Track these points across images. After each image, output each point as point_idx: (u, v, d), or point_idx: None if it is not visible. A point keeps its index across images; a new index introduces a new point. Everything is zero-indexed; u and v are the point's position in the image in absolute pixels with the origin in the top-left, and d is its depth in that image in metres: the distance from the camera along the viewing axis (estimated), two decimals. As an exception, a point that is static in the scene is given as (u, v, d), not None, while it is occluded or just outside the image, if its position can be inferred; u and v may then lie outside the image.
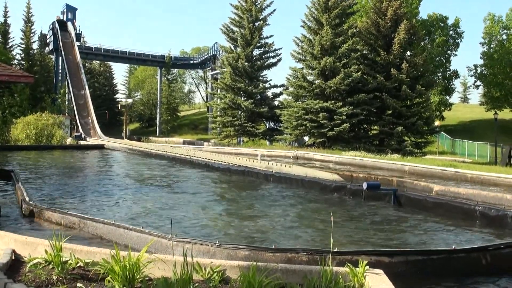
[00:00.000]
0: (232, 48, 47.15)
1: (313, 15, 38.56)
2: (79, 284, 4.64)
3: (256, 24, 45.77)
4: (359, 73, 35.14)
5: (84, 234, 7.82)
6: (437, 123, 45.29)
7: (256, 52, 46.42)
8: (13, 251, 5.52)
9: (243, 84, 44.56)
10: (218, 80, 50.17)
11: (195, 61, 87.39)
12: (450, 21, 61.22)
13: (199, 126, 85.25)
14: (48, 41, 76.54)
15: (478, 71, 62.25)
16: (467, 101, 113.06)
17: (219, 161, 20.95)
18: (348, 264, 4.93)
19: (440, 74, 59.70)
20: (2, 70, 11.30)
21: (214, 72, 71.52)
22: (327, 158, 25.40)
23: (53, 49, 74.54)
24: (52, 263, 5.03)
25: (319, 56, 36.52)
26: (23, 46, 74.87)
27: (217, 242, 6.05)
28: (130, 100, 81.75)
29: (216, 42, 73.03)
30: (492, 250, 6.29)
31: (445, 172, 17.77)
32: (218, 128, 48.53)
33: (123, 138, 50.16)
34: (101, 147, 36.08)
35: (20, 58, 74.93)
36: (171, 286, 4.44)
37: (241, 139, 46.81)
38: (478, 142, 47.66)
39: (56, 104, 65.40)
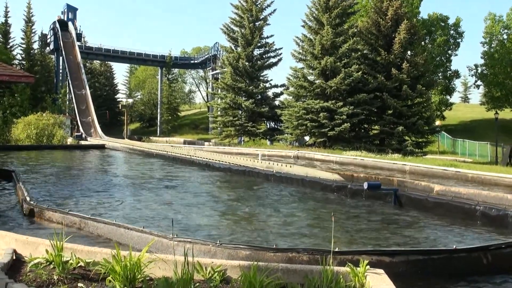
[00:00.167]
0: (233, 48, 47.17)
1: (314, 14, 38.57)
2: (80, 284, 4.64)
3: (257, 24, 45.79)
4: (359, 73, 35.14)
5: (85, 234, 7.82)
6: (437, 122, 45.29)
7: (256, 52, 46.46)
8: (14, 251, 5.52)
9: (244, 84, 44.58)
10: (219, 80, 50.18)
11: (196, 61, 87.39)
12: (450, 21, 61.24)
13: (200, 126, 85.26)
14: (48, 41, 76.56)
15: (479, 71, 62.26)
16: (468, 101, 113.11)
17: (220, 161, 20.95)
18: (349, 264, 4.92)
19: (440, 74, 59.73)
20: (3, 70, 11.31)
21: (214, 72, 71.51)
22: (327, 158, 25.39)
23: (53, 49, 74.56)
24: (53, 263, 5.03)
25: (319, 56, 36.53)
26: (24, 46, 74.93)
27: (218, 242, 6.06)
28: (130, 100, 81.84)
29: (216, 42, 73.06)
30: (493, 250, 6.28)
31: (446, 172, 17.76)
32: (218, 128, 48.58)
33: (124, 138, 50.19)
34: (101, 147, 36.07)
35: (20, 58, 74.99)
36: (172, 286, 4.44)
37: (242, 139, 46.84)
38: (478, 142, 47.65)
39: (57, 104, 65.41)
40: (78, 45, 70.69)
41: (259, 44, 45.95)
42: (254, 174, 17.06)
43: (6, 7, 74.69)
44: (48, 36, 76.73)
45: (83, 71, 66.17)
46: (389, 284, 4.54)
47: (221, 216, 10.15)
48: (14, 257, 5.38)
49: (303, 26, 39.35)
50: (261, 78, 46.44)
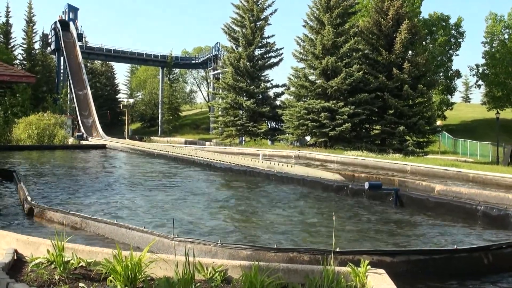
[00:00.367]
0: (234, 48, 47.17)
1: (315, 14, 38.56)
2: (81, 284, 4.65)
3: (258, 23, 45.77)
4: (360, 72, 35.13)
5: (86, 234, 7.83)
6: (438, 122, 45.26)
7: (257, 51, 46.46)
8: (15, 251, 5.52)
9: (245, 84, 44.58)
10: (220, 80, 50.17)
11: (197, 61, 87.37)
12: (452, 21, 61.21)
13: (201, 126, 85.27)
14: (50, 41, 76.60)
15: (480, 71, 62.21)
16: (469, 101, 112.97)
17: (221, 161, 20.96)
18: (350, 263, 4.92)
19: (442, 73, 59.69)
20: (4, 70, 11.32)
21: (215, 72, 71.52)
22: (328, 157, 25.40)
23: (55, 49, 74.60)
24: (54, 262, 5.04)
25: (320, 56, 36.52)
26: (25, 46, 74.97)
27: (219, 242, 6.06)
28: (131, 100, 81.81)
29: (217, 42, 73.06)
30: (494, 249, 6.29)
31: (447, 172, 17.76)
32: (219, 128, 48.56)
33: (125, 138, 50.24)
34: (103, 147, 36.11)
35: (22, 58, 75.02)
36: (173, 285, 4.45)
37: (243, 139, 46.83)
38: (479, 141, 47.60)
39: (58, 104, 65.45)
40: (79, 45, 70.72)
41: (260, 44, 45.94)
42: (255, 174, 17.07)
43: (7, 7, 74.75)
44: (49, 36, 76.76)
45: (84, 71, 66.19)
46: (390, 284, 4.54)
47: (222, 216, 10.15)
48: (15, 257, 5.39)
49: (304, 26, 39.37)
50: (262, 78, 46.43)
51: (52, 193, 12.51)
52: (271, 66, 46.75)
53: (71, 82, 63.99)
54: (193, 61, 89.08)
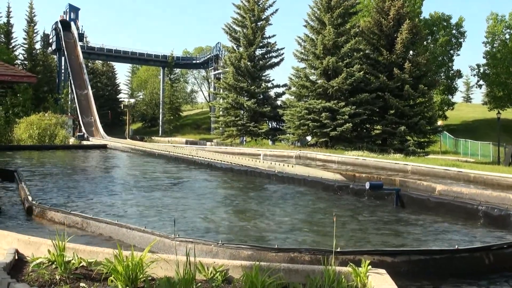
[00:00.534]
0: (235, 48, 47.12)
1: (316, 14, 38.53)
2: (82, 284, 4.65)
3: (259, 24, 45.73)
4: (361, 72, 35.10)
5: (87, 234, 7.83)
6: (439, 122, 45.26)
7: (258, 51, 46.39)
8: (16, 251, 5.53)
9: (246, 84, 44.56)
10: (221, 80, 50.13)
11: (198, 61, 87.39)
12: (453, 21, 61.19)
13: (202, 126, 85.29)
14: (51, 41, 76.61)
15: (481, 71, 62.15)
16: (470, 101, 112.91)
17: (221, 161, 20.97)
18: (351, 264, 4.93)
19: (443, 73, 59.65)
20: (5, 70, 11.33)
21: (216, 72, 71.49)
22: (329, 158, 25.39)
23: (55, 49, 74.63)
24: (55, 262, 5.05)
25: (321, 56, 36.50)
26: (26, 46, 74.98)
27: (220, 242, 6.06)
28: (132, 100, 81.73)
29: (218, 42, 73.03)
30: (495, 250, 6.28)
31: (448, 172, 17.75)
32: (220, 128, 48.52)
33: (126, 138, 50.23)
34: (103, 147, 36.12)
35: (23, 58, 75.05)
36: (174, 285, 4.45)
37: (244, 139, 46.82)
38: (481, 141, 47.56)
39: (59, 104, 65.49)
40: (80, 45, 70.74)
41: (261, 44, 45.88)
42: (256, 174, 17.07)
43: (8, 7, 75.05)
44: (50, 36, 76.78)
45: (85, 71, 66.23)
46: (391, 284, 4.54)
47: (223, 216, 10.15)
48: (16, 257, 5.39)
49: (305, 26, 39.33)
50: (263, 78, 46.37)
51: (53, 193, 12.52)
52: (272, 66, 46.69)
53: (72, 82, 64.01)
54: (194, 61, 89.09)
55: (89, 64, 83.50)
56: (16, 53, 73.89)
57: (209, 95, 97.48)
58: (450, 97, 61.38)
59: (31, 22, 75.64)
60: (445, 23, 60.33)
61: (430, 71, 40.42)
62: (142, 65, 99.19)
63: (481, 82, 63.71)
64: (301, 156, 27.59)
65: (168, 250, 6.17)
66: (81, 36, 74.53)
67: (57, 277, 4.78)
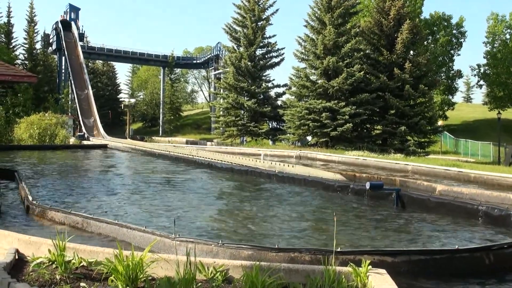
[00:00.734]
0: (235, 47, 47.13)
1: (316, 14, 38.52)
2: (82, 284, 4.65)
3: (259, 23, 45.73)
4: (362, 72, 35.10)
5: (87, 234, 7.83)
6: (440, 122, 45.26)
7: (259, 51, 46.39)
8: (17, 251, 5.53)
9: (246, 84, 44.56)
10: (221, 79, 50.16)
11: (198, 61, 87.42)
12: (453, 21, 61.17)
13: (202, 126, 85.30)
14: (51, 41, 76.66)
15: (481, 71, 62.15)
16: (470, 101, 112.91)
17: (222, 160, 20.97)
18: (351, 263, 4.93)
19: (443, 73, 59.64)
20: (6, 70, 11.33)
21: (217, 71, 71.49)
22: (330, 158, 25.38)
23: (56, 49, 74.68)
24: (55, 262, 5.05)
25: (322, 56, 36.50)
26: (26, 46, 75.00)
27: (220, 242, 6.06)
28: (133, 100, 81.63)
29: (219, 42, 73.08)
30: (495, 250, 6.28)
31: (448, 172, 17.74)
32: (221, 128, 48.54)
33: (126, 138, 50.24)
34: (104, 147, 36.14)
35: (23, 58, 75.08)
36: (174, 285, 4.45)
37: (244, 139, 46.83)
38: (481, 141, 47.55)
39: (60, 104, 65.52)
40: (81, 45, 70.76)
41: (262, 44, 45.88)
42: (257, 174, 17.07)
43: (9, 7, 75.02)
44: (51, 36, 76.82)
45: (85, 71, 66.25)
46: (391, 284, 4.54)
47: (223, 216, 10.16)
48: (16, 257, 5.40)
49: (306, 26, 39.32)
50: (263, 78, 46.38)
51: (53, 193, 12.52)
52: (273, 66, 46.69)
53: (72, 82, 64.03)
54: (195, 61, 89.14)
55: (89, 64, 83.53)
56: (17, 53, 73.95)
57: (209, 95, 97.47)
58: (450, 97, 61.39)
59: (31, 22, 75.66)
60: (445, 23, 60.32)
61: (430, 71, 40.40)
62: (142, 65, 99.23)
63: (481, 82, 63.75)
64: (302, 156, 27.58)
65: (169, 250, 6.17)
66: (82, 36, 74.55)
67: (58, 277, 4.78)
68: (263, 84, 45.40)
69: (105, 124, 61.28)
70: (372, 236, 8.38)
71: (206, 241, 6.22)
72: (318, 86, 36.33)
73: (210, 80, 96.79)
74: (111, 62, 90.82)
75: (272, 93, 47.49)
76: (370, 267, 4.80)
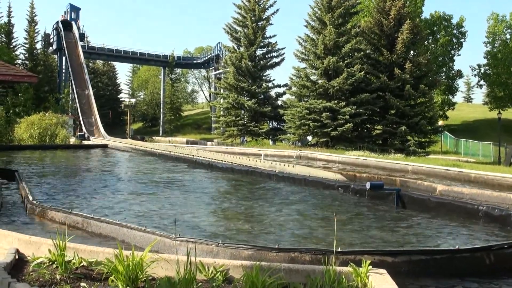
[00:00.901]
0: (235, 47, 47.13)
1: (316, 14, 38.52)
2: (82, 284, 4.65)
3: (259, 23, 45.73)
4: (362, 72, 35.08)
5: (87, 234, 7.83)
6: (440, 122, 45.24)
7: (259, 51, 46.40)
8: (17, 251, 5.53)
9: (246, 84, 44.56)
10: (221, 79, 50.15)
11: (198, 61, 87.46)
12: (453, 20, 61.17)
13: (203, 125, 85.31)
14: (51, 41, 76.67)
15: (482, 71, 62.15)
16: (471, 101, 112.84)
17: (222, 160, 20.97)
18: (352, 263, 4.93)
19: (443, 73, 59.63)
20: (6, 70, 11.33)
21: (217, 71, 71.51)
22: (330, 157, 25.38)
23: (56, 49, 74.69)
24: (55, 262, 5.05)
25: (322, 56, 36.49)
26: (27, 46, 75.01)
27: (220, 242, 6.06)
28: (133, 100, 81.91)
29: (219, 42, 73.15)
30: (495, 250, 6.28)
31: (448, 172, 17.73)
32: (221, 128, 48.54)
33: (127, 138, 50.25)
34: (104, 147, 36.17)
35: (23, 58, 75.09)
36: (175, 285, 4.45)
37: (245, 139, 46.82)
38: (481, 142, 47.54)
39: (60, 103, 65.54)
40: (81, 45, 70.77)
41: (262, 44, 45.89)
42: (257, 174, 17.07)
43: (9, 7, 74.90)
44: (51, 36, 76.84)
45: (86, 71, 66.26)
46: (391, 284, 4.54)
47: (224, 215, 10.16)
48: (17, 257, 5.40)
49: (306, 26, 39.30)
50: (263, 78, 46.38)
51: (54, 192, 12.52)
52: (273, 66, 46.70)
53: (73, 82, 64.04)
54: (195, 61, 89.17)
55: (90, 64, 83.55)
56: (17, 52, 73.98)
57: (209, 95, 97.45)
58: (450, 97, 61.39)
59: (32, 22, 75.67)
60: (446, 23, 60.33)
61: (430, 71, 40.40)
62: (142, 65, 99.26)
63: (481, 82, 63.77)
64: (302, 156, 27.58)
65: (169, 250, 6.17)
66: (82, 36, 74.57)
67: (58, 276, 4.78)
68: (264, 84, 45.40)
69: (105, 124, 61.29)
70: (372, 236, 8.38)
71: (207, 241, 6.21)
72: (318, 86, 36.32)
73: (210, 80, 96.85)
74: (111, 62, 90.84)
75: (273, 93, 47.52)
76: (370, 267, 4.80)
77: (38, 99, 63.44)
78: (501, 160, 37.40)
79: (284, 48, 51.62)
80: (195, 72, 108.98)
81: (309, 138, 39.27)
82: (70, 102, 67.22)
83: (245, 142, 46.19)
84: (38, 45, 77.63)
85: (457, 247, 6.21)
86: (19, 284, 4.30)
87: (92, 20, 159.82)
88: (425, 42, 53.23)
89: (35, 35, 76.05)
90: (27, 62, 73.72)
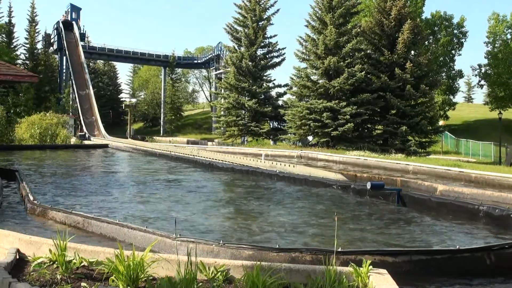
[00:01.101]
0: (236, 47, 47.14)
1: (317, 14, 38.52)
2: (83, 284, 4.65)
3: (260, 23, 45.74)
4: (363, 72, 35.08)
5: (88, 234, 7.83)
6: (441, 122, 45.25)
7: (260, 51, 46.44)
8: (18, 250, 5.53)
9: (247, 84, 44.56)
10: (222, 79, 50.18)
11: (199, 61, 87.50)
12: (454, 20, 61.16)
13: (203, 125, 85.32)
14: (52, 41, 76.71)
15: (482, 71, 62.15)
16: (471, 101, 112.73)
17: (223, 160, 20.97)
18: (352, 263, 4.92)
19: (444, 73, 59.63)
20: (7, 69, 11.34)
21: (218, 71, 71.58)
22: (331, 157, 25.37)
23: (57, 49, 74.75)
24: (56, 262, 5.05)
25: (323, 56, 36.49)
26: (28, 46, 74.97)
27: (221, 242, 6.06)
28: (134, 100, 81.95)
29: (220, 42, 73.19)
30: (496, 250, 6.27)
31: (449, 172, 17.72)
32: (222, 128, 48.56)
33: (127, 138, 50.27)
34: (105, 147, 36.17)
35: (24, 58, 75.05)
36: (175, 285, 4.45)
37: (245, 139, 46.84)
38: (482, 142, 47.56)
39: (61, 103, 65.57)
40: (82, 45, 70.86)
41: (263, 44, 45.92)
42: (258, 174, 17.07)
43: (10, 7, 74.73)
44: (52, 36, 76.89)
45: (86, 70, 66.32)
46: (392, 284, 4.54)
47: (224, 215, 10.16)
48: (17, 257, 5.40)
49: (307, 26, 39.31)
50: (264, 78, 46.39)
51: (54, 192, 12.52)
52: (274, 66, 46.72)
53: (73, 81, 64.10)
54: (196, 61, 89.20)
55: (90, 63, 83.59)
56: (18, 52, 73.94)
57: (210, 95, 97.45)
58: (451, 97, 61.41)
59: (32, 22, 75.63)
60: (446, 23, 60.34)
61: (431, 71, 40.46)
62: (143, 65, 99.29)
63: (482, 82, 63.78)
64: (303, 156, 27.57)
65: (169, 250, 6.17)
66: (83, 36, 74.64)
67: (58, 276, 4.78)
68: (264, 84, 45.41)
69: (106, 124, 61.36)
70: (373, 236, 8.37)
71: (207, 241, 6.21)
72: (319, 86, 36.34)
73: (211, 80, 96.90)
74: (112, 62, 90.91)
75: (273, 93, 47.55)
76: (371, 267, 4.80)
77: (39, 99, 63.47)
78: (502, 160, 37.42)
79: (285, 48, 51.71)
80: (196, 72, 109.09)
81: (310, 138, 39.28)
82: (70, 102, 67.27)
83: (245, 142, 46.21)
84: (39, 45, 77.64)
85: (457, 247, 6.20)
86: (19, 284, 4.30)
87: (92, 20, 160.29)
88: (426, 42, 53.26)
89: (36, 35, 76.04)
90: (27, 62, 73.68)
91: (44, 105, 59.09)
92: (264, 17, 46.04)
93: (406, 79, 35.13)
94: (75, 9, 76.02)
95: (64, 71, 74.29)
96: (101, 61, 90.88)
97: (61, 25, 72.63)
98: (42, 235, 6.25)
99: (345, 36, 36.62)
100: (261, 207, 11.19)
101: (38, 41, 77.34)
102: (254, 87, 44.01)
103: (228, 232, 8.44)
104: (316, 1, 38.67)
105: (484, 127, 60.11)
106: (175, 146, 32.59)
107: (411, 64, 35.48)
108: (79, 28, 73.53)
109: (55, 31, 74.96)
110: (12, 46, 72.77)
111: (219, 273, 4.80)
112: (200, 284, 4.61)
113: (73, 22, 73.82)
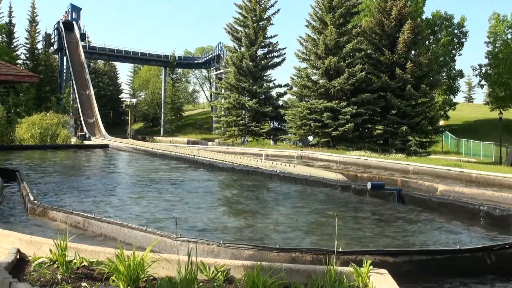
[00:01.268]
0: (237, 47, 47.13)
1: (318, 14, 38.50)
2: (83, 284, 4.65)
3: (260, 23, 45.73)
4: (363, 72, 35.07)
5: (88, 234, 7.84)
6: (441, 122, 45.24)
7: (260, 51, 46.41)
8: (18, 250, 5.54)
9: (248, 84, 44.55)
10: (222, 79, 50.16)
11: (200, 61, 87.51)
12: (455, 20, 61.15)
13: (204, 125, 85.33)
14: (52, 41, 76.72)
15: (483, 71, 62.14)
16: (472, 101, 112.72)
17: (223, 160, 20.97)
18: (352, 263, 4.92)
19: (444, 73, 59.62)
20: (7, 70, 11.35)
21: (218, 71, 71.56)
22: (331, 157, 25.38)
23: (57, 49, 74.74)
24: (56, 262, 5.05)
25: (323, 56, 36.48)
26: (28, 46, 74.94)
27: (222, 242, 6.06)
28: (134, 100, 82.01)
29: (220, 42, 73.21)
30: (496, 250, 6.27)
31: (449, 172, 17.73)
32: (222, 128, 48.56)
33: (128, 138, 50.27)
34: (105, 147, 36.16)
35: (24, 58, 75.00)
36: (176, 285, 4.45)
37: (246, 139, 46.83)
38: (482, 142, 47.54)
39: (61, 103, 65.56)
40: (82, 45, 70.83)
41: (263, 44, 45.90)
42: (258, 174, 17.07)
43: (10, 7, 74.68)
44: (52, 36, 76.90)
45: (87, 71, 66.30)
46: (392, 284, 4.54)
47: (225, 216, 10.16)
48: (18, 257, 5.40)
49: (307, 26, 39.28)
50: (264, 78, 46.38)
51: (55, 192, 12.52)
52: (274, 66, 46.70)
53: (74, 82, 64.08)
54: (196, 61, 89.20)
55: (91, 64, 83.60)
56: (18, 52, 73.86)
57: (210, 95, 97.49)
58: (452, 97, 61.39)
59: (33, 22, 75.61)
60: (447, 23, 60.33)
61: (432, 71, 40.44)
62: (143, 65, 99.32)
63: (483, 82, 63.76)
64: (303, 156, 27.57)
65: (170, 250, 6.17)
66: (83, 36, 74.63)
67: (59, 276, 4.78)
68: (265, 84, 45.41)
69: (106, 124, 61.32)
70: (373, 236, 8.37)
71: (207, 241, 6.21)
72: (319, 86, 36.33)
73: (211, 80, 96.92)
74: (112, 62, 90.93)
75: (274, 93, 47.52)
76: (371, 267, 4.80)
77: (39, 99, 63.41)
78: (502, 160, 37.41)
79: (285, 48, 51.65)
80: (196, 72, 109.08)
81: (310, 138, 39.27)
82: (71, 102, 67.25)
83: (246, 142, 46.20)
84: (39, 45, 77.61)
85: (458, 247, 6.20)
86: (20, 284, 4.30)
87: (93, 20, 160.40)
88: (426, 42, 53.26)
89: (36, 35, 76.00)
90: (28, 62, 73.65)
91: (44, 105, 59.04)
92: (265, 17, 46.03)
93: (406, 79, 35.12)
94: (75, 9, 76.02)
95: (65, 71, 74.28)
96: (102, 61, 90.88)
97: (61, 25, 72.64)
98: (42, 235, 6.25)
99: (345, 36, 36.61)
100: (261, 207, 11.19)
101: (39, 41, 77.38)
102: (255, 87, 44.00)
103: (228, 232, 8.44)
104: (316, 1, 38.66)
105: (485, 127, 60.10)
106: (175, 146, 32.58)
107: (412, 64, 35.46)
108: (79, 28, 73.53)
109: (56, 31, 74.96)
110: (13, 46, 72.75)
111: (220, 273, 4.80)
112: (201, 284, 4.61)
113: (74, 22, 73.81)
